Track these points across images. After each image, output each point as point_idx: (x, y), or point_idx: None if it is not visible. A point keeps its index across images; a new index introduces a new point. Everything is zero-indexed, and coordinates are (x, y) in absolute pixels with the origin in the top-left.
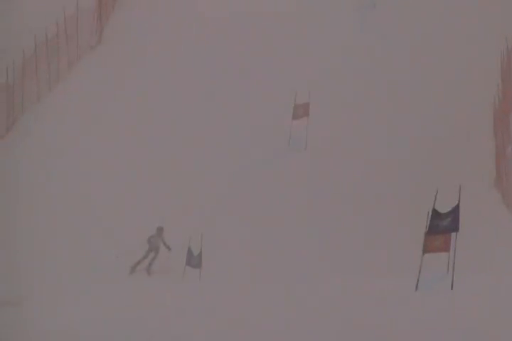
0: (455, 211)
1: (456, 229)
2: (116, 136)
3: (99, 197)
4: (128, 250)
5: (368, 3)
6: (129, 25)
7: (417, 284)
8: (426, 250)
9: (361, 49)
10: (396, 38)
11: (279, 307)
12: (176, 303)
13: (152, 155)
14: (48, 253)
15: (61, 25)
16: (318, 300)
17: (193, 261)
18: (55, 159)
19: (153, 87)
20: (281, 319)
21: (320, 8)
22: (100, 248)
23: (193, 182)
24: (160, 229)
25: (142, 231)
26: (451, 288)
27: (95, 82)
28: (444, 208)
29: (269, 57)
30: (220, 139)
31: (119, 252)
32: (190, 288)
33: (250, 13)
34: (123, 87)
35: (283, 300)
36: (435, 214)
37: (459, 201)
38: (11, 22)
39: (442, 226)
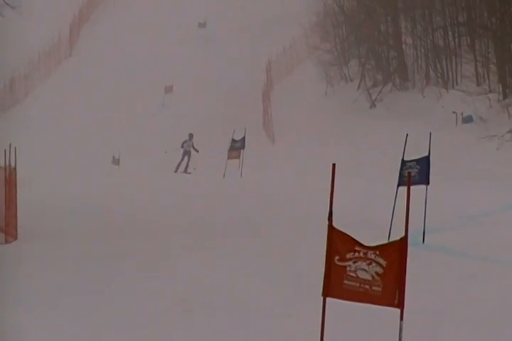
0: (243, 139)
1: (243, 147)
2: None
3: None
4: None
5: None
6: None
7: (224, 174)
8: (229, 158)
9: (201, 59)
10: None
11: None
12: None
13: None
14: None
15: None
16: None
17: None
18: None
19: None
20: None
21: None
22: None
23: None
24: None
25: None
26: (241, 176)
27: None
28: (237, 137)
29: (154, 66)
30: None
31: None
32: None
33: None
34: None
35: None
36: (233, 141)
37: (244, 135)
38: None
39: (236, 146)
